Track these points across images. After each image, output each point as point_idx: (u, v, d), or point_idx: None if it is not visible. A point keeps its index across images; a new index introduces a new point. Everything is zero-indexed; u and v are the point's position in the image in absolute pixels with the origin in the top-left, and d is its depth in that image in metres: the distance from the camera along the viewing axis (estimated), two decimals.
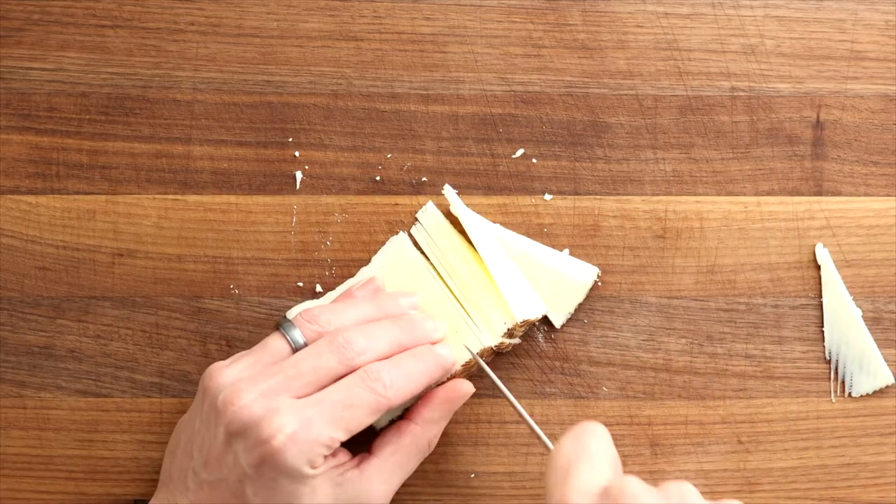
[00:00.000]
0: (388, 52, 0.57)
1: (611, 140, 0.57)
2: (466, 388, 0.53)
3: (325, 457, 0.47)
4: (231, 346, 0.56)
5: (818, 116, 0.58)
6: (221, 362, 0.50)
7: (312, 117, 0.57)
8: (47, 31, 0.57)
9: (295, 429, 0.46)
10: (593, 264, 0.56)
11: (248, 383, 0.48)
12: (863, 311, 0.57)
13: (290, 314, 0.54)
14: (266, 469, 0.46)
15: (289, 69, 0.57)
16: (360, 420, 0.48)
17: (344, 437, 0.48)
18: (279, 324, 0.51)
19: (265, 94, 0.57)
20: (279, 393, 0.47)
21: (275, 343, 0.50)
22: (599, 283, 0.56)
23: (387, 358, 0.50)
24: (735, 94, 0.58)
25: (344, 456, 0.49)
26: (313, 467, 0.47)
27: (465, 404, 0.56)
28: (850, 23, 0.58)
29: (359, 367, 0.49)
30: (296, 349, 0.50)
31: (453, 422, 0.56)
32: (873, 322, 0.57)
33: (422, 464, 0.55)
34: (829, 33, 0.58)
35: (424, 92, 0.57)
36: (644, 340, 0.56)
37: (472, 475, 0.56)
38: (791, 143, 0.58)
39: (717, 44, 0.58)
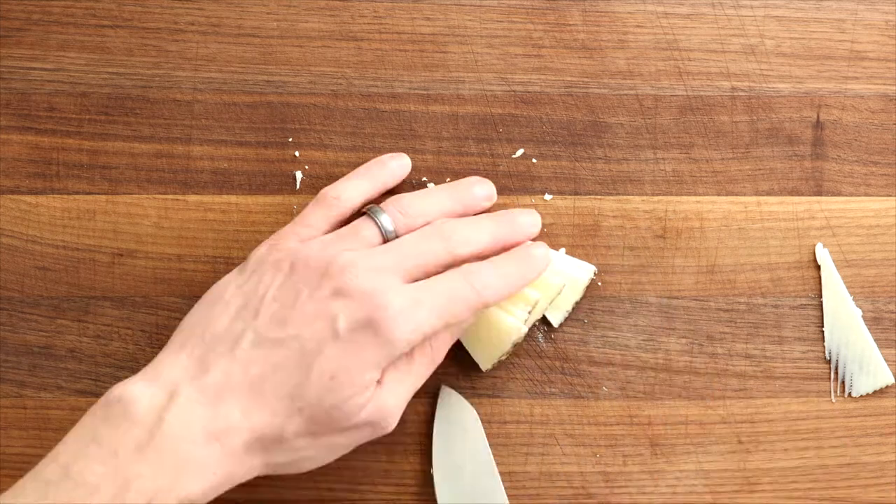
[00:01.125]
0: (388, 52, 0.57)
1: (611, 140, 0.57)
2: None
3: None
4: None
5: (818, 116, 0.58)
6: (291, 232, 0.51)
7: (312, 117, 0.57)
8: (47, 31, 0.57)
9: (406, 306, 0.47)
10: (593, 264, 0.56)
11: (361, 257, 0.48)
12: (863, 311, 0.57)
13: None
14: (364, 334, 0.46)
15: (289, 69, 0.57)
16: (459, 315, 0.49)
17: (442, 328, 0.48)
18: (367, 210, 0.51)
19: (265, 94, 0.57)
20: (391, 272, 0.48)
21: (366, 229, 0.50)
22: (599, 283, 0.56)
23: (486, 252, 0.51)
24: (735, 94, 0.58)
25: None
26: (408, 349, 0.47)
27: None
28: (850, 23, 0.58)
29: (461, 258, 0.50)
30: (385, 237, 0.50)
31: None
32: (873, 322, 0.57)
33: (422, 464, 0.55)
34: (829, 33, 0.58)
35: (424, 92, 0.57)
36: (644, 340, 0.56)
37: None
38: (791, 143, 0.58)
39: (717, 44, 0.58)
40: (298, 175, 0.57)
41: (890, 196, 0.57)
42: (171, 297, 0.56)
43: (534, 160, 0.57)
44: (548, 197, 0.57)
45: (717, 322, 0.57)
